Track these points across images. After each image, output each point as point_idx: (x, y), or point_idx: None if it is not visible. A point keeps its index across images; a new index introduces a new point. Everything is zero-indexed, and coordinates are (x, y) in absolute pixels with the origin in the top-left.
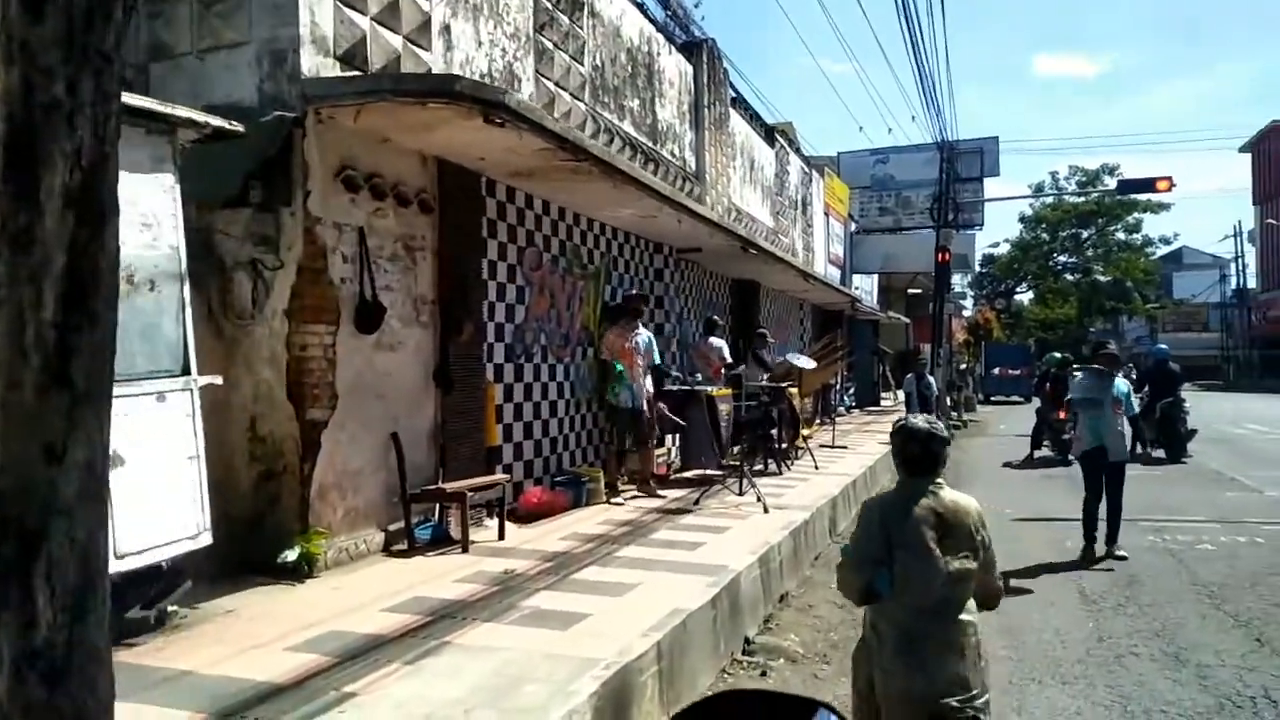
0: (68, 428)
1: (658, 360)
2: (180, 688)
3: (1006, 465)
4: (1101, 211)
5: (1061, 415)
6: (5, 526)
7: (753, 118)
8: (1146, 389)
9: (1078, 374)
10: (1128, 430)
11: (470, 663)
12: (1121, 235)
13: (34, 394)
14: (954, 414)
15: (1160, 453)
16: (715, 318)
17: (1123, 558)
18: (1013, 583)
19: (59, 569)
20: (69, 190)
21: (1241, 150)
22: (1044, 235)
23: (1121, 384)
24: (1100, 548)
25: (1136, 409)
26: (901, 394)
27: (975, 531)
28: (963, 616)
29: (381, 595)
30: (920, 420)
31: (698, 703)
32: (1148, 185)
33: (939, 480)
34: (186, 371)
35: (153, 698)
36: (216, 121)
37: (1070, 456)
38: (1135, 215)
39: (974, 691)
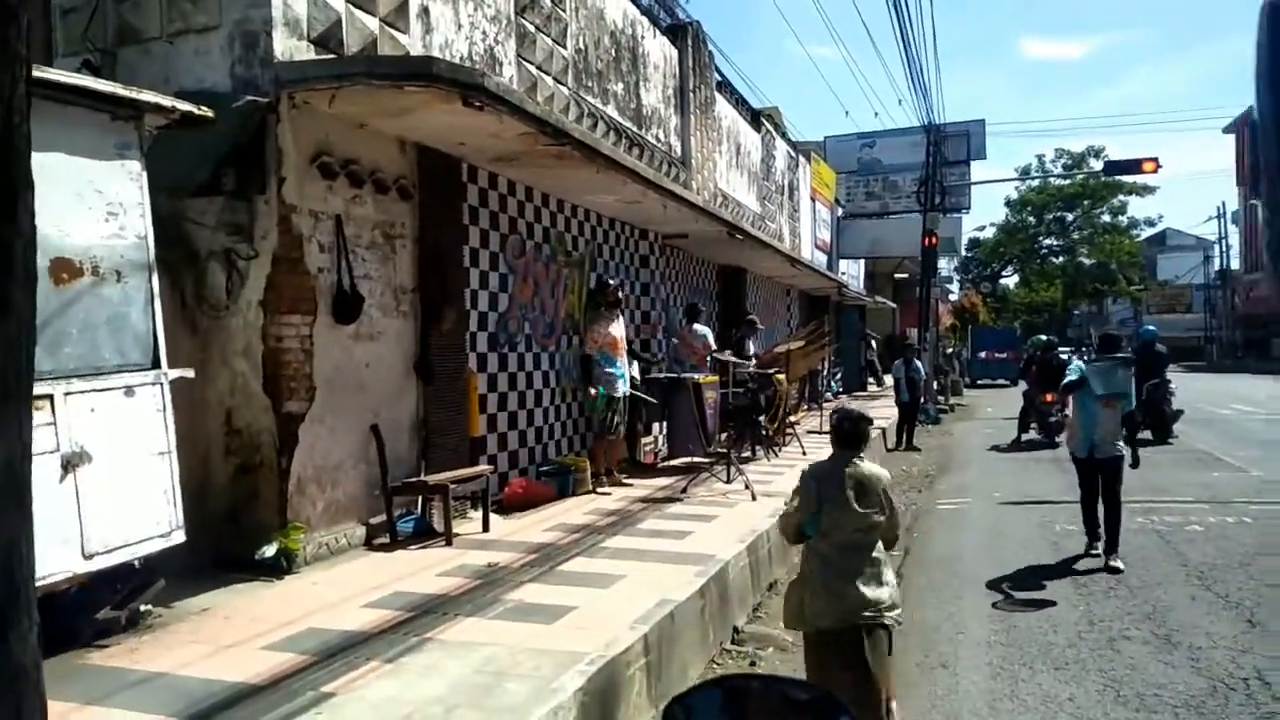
0: None
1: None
2: (153, 690)
3: (994, 449)
4: (1087, 194)
5: (1048, 399)
6: None
7: (739, 102)
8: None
9: (1093, 362)
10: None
11: (452, 659)
12: (1107, 218)
13: None
14: (941, 398)
15: (1146, 434)
16: (698, 304)
17: (1117, 570)
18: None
19: None
20: None
21: (1225, 131)
22: (1030, 218)
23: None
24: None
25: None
26: (890, 379)
27: (883, 494)
28: (874, 554)
29: (362, 591)
30: (853, 407)
31: (696, 687)
32: (1134, 167)
33: (861, 455)
34: (156, 364)
35: (124, 701)
36: (184, 106)
37: (1071, 453)
38: (1120, 198)
39: (884, 605)
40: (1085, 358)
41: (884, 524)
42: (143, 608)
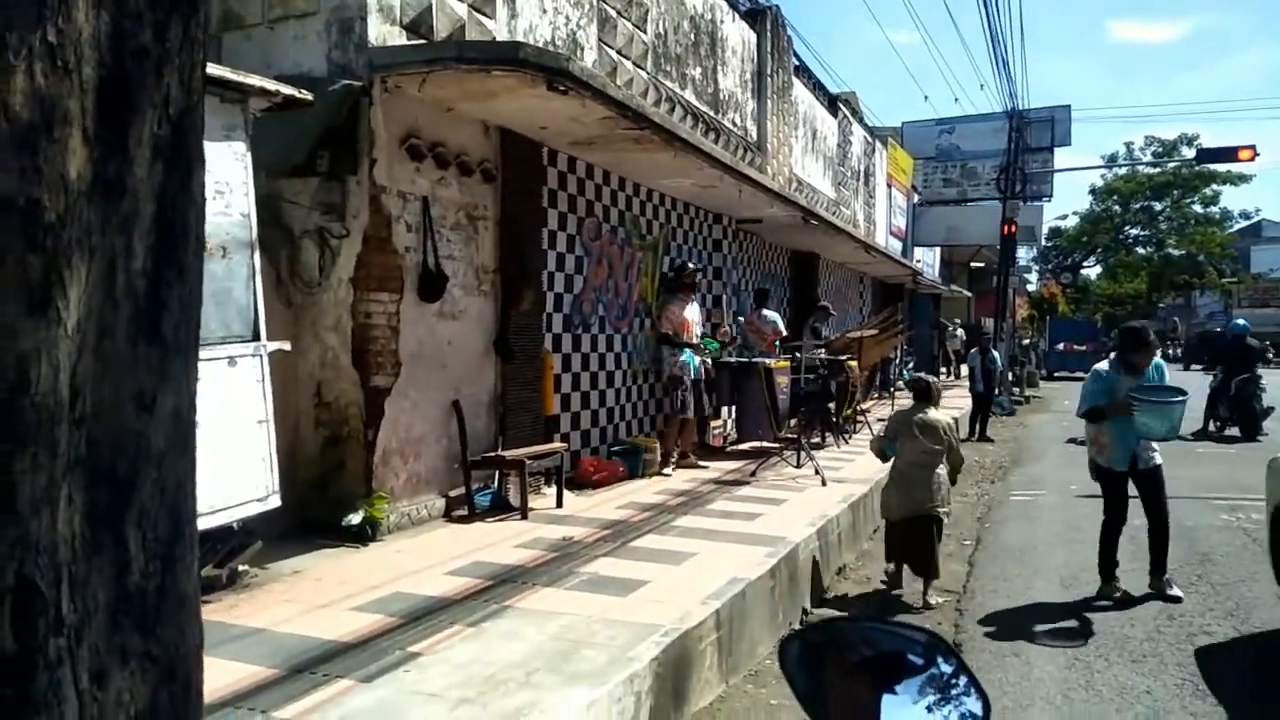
0: (158, 379)
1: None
2: (253, 643)
3: (1070, 441)
4: (1178, 183)
5: None
6: (98, 473)
7: (816, 86)
8: (1220, 366)
9: (1101, 367)
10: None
11: (531, 626)
12: (1198, 208)
13: (125, 343)
14: (1016, 389)
15: (1235, 430)
16: (766, 288)
17: (1176, 599)
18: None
19: (149, 517)
20: (158, 140)
21: None
22: (1115, 207)
23: (1153, 368)
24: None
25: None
26: (965, 368)
27: (944, 433)
28: (935, 472)
29: (443, 559)
30: (921, 374)
31: (802, 629)
32: (1229, 154)
33: (928, 405)
34: (257, 337)
35: (228, 653)
36: (287, 90)
37: (1101, 466)
38: (1213, 187)
39: (936, 504)
40: (1112, 363)
41: (943, 453)
42: (241, 567)
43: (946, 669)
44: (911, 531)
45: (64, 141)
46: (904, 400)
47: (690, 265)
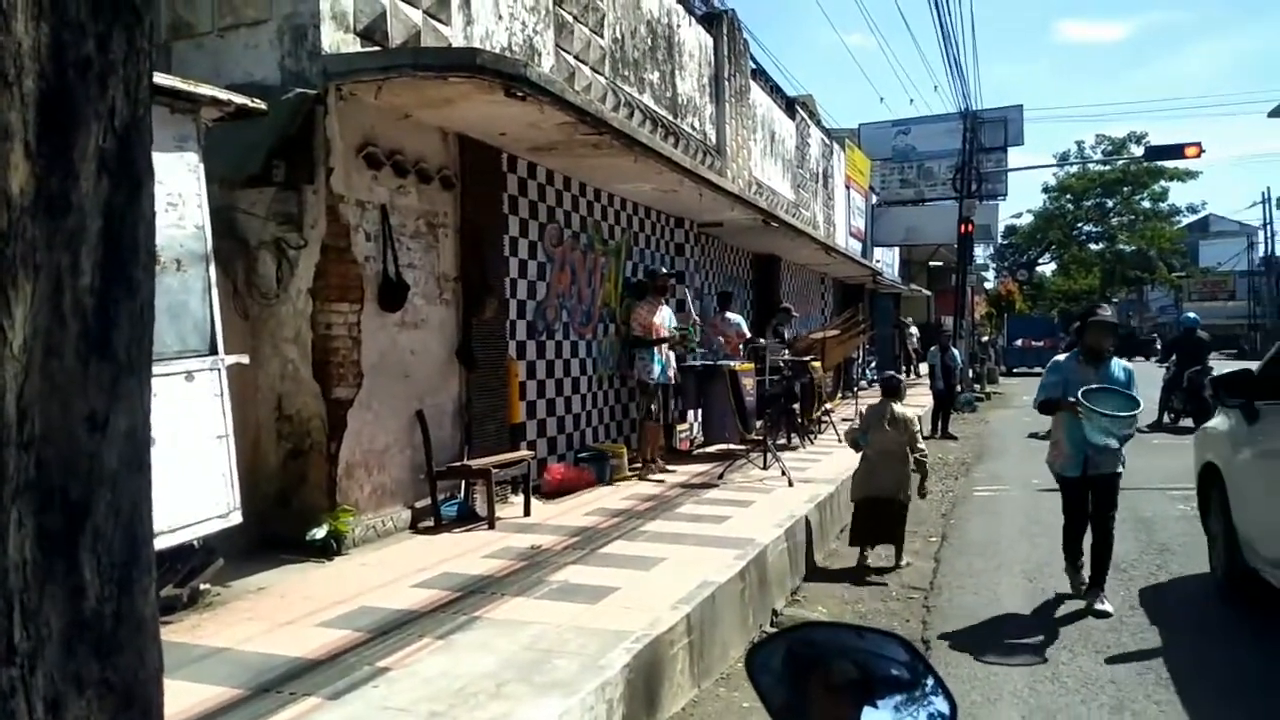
0: (110, 398)
1: (672, 329)
2: (217, 664)
3: (1032, 436)
4: (1127, 180)
5: None
6: (49, 497)
7: (773, 90)
8: (1174, 358)
9: (1060, 358)
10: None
11: (501, 637)
12: (1147, 204)
13: (75, 361)
14: (977, 386)
15: (1189, 421)
16: (729, 290)
17: (1106, 614)
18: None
19: (104, 540)
20: (103, 153)
21: (1271, 115)
22: (1068, 205)
23: (1117, 367)
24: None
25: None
26: (925, 366)
27: (908, 425)
28: (901, 460)
29: (410, 571)
30: (891, 372)
31: (770, 636)
32: (1176, 151)
33: (895, 401)
34: (214, 351)
35: (191, 674)
36: (239, 99)
37: (1055, 472)
38: (1162, 183)
39: (899, 490)
40: (1067, 354)
41: (907, 440)
42: (202, 586)
43: (912, 668)
44: (877, 511)
45: (5, 156)
46: (865, 400)
47: (663, 270)
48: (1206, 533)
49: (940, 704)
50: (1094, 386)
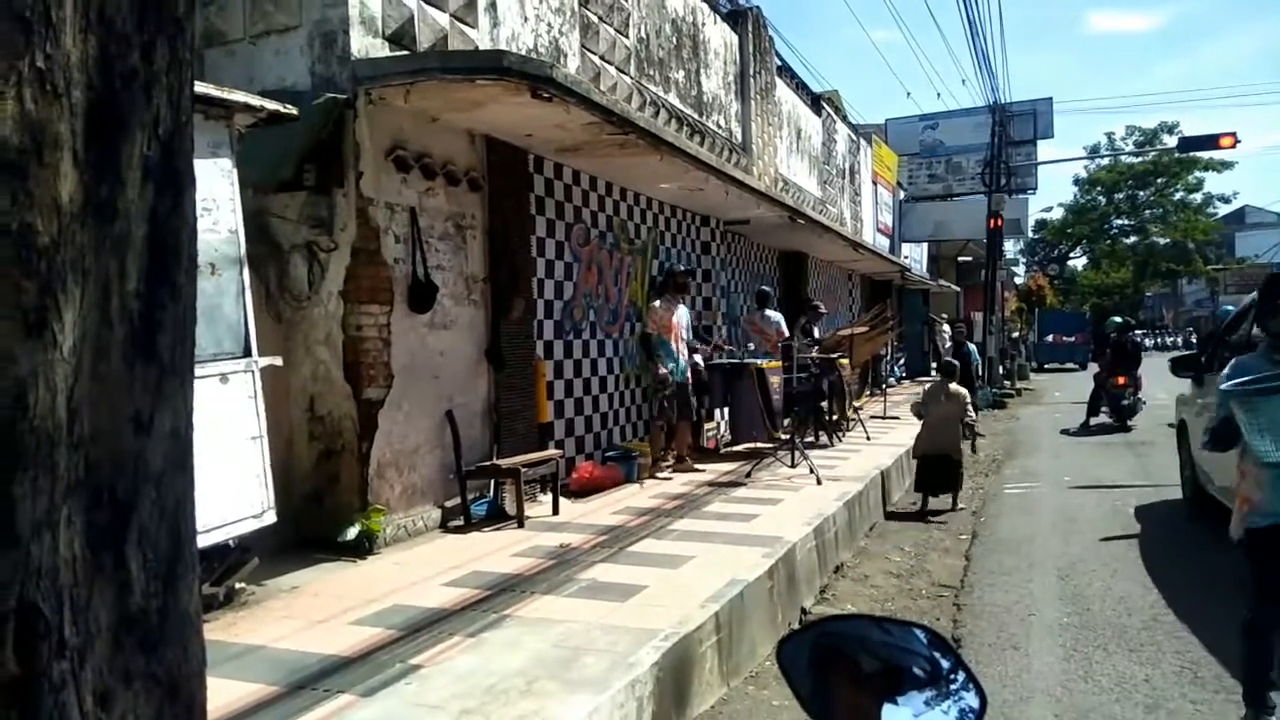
0: (155, 399)
1: (687, 336)
2: (253, 661)
3: (1064, 433)
4: (1159, 171)
5: (1120, 381)
6: (97, 495)
7: (799, 86)
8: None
9: (1242, 359)
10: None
11: (531, 635)
12: (1180, 195)
13: (121, 364)
14: (1006, 383)
15: None
16: (767, 289)
17: None
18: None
19: (149, 537)
20: (148, 161)
21: None
22: (1099, 198)
23: None
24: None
25: None
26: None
27: (961, 398)
28: (955, 427)
29: (441, 570)
30: (950, 359)
31: (800, 628)
32: (1210, 142)
33: (952, 379)
34: (248, 353)
35: (228, 671)
36: (271, 105)
37: (1233, 535)
38: (1196, 174)
39: (955, 450)
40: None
41: (961, 413)
42: (238, 585)
43: (945, 664)
44: (937, 466)
45: (55, 165)
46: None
47: (680, 268)
48: (1180, 471)
49: (970, 698)
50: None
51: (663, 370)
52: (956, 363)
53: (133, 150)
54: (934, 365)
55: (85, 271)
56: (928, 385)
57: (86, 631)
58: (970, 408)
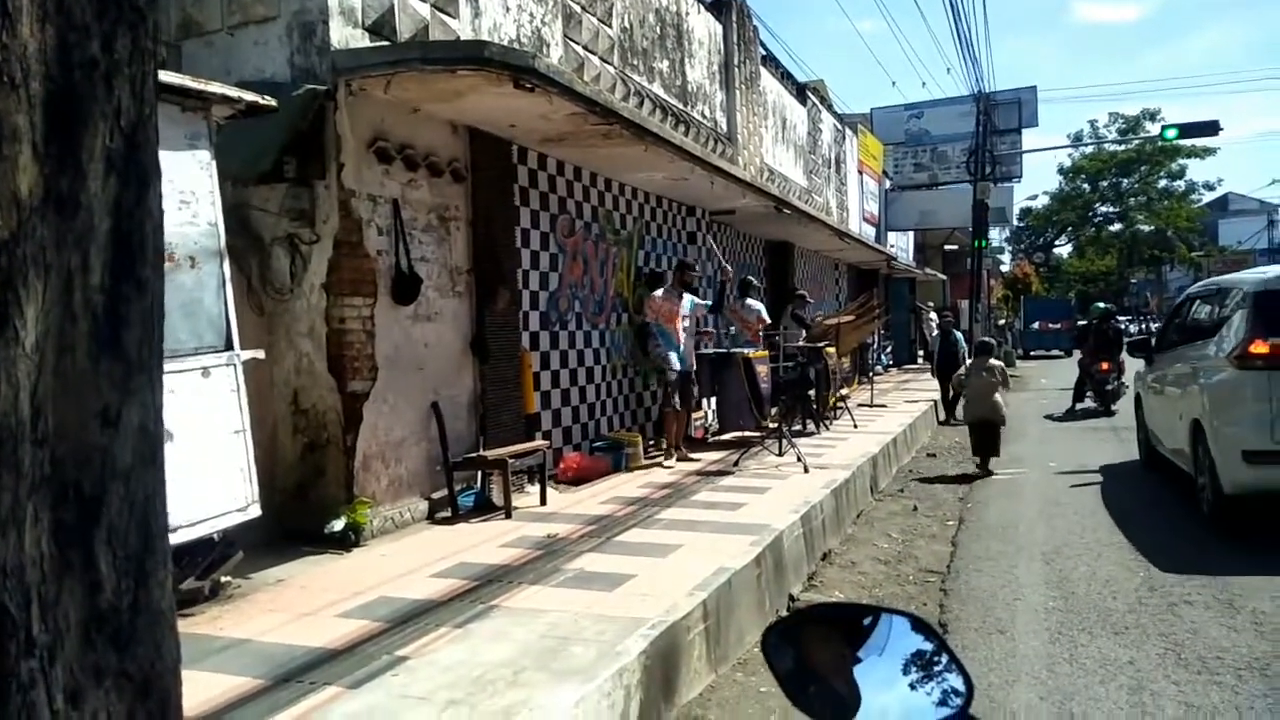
0: (121, 395)
1: (708, 304)
2: (239, 655)
3: (1048, 418)
4: (1143, 159)
5: (1104, 367)
6: (64, 492)
7: (784, 76)
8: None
9: None
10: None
11: (518, 625)
12: (1164, 182)
13: (86, 359)
14: None
15: None
16: (751, 279)
17: None
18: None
19: (119, 534)
20: (111, 153)
21: None
22: (1083, 186)
23: None
24: None
25: None
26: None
27: (998, 371)
28: (994, 395)
29: (428, 562)
30: (989, 339)
31: (785, 617)
32: (1208, 129)
33: (990, 356)
34: (230, 347)
35: (213, 665)
36: (250, 97)
37: None
38: (1179, 161)
39: (997, 416)
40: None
41: (999, 384)
42: (223, 579)
43: (928, 648)
44: (982, 431)
45: (13, 158)
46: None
47: (693, 264)
48: (1135, 434)
49: (955, 680)
50: None
51: (660, 362)
52: (992, 341)
53: (94, 142)
54: (920, 353)
55: (47, 266)
56: (967, 363)
57: (55, 629)
58: (1005, 381)
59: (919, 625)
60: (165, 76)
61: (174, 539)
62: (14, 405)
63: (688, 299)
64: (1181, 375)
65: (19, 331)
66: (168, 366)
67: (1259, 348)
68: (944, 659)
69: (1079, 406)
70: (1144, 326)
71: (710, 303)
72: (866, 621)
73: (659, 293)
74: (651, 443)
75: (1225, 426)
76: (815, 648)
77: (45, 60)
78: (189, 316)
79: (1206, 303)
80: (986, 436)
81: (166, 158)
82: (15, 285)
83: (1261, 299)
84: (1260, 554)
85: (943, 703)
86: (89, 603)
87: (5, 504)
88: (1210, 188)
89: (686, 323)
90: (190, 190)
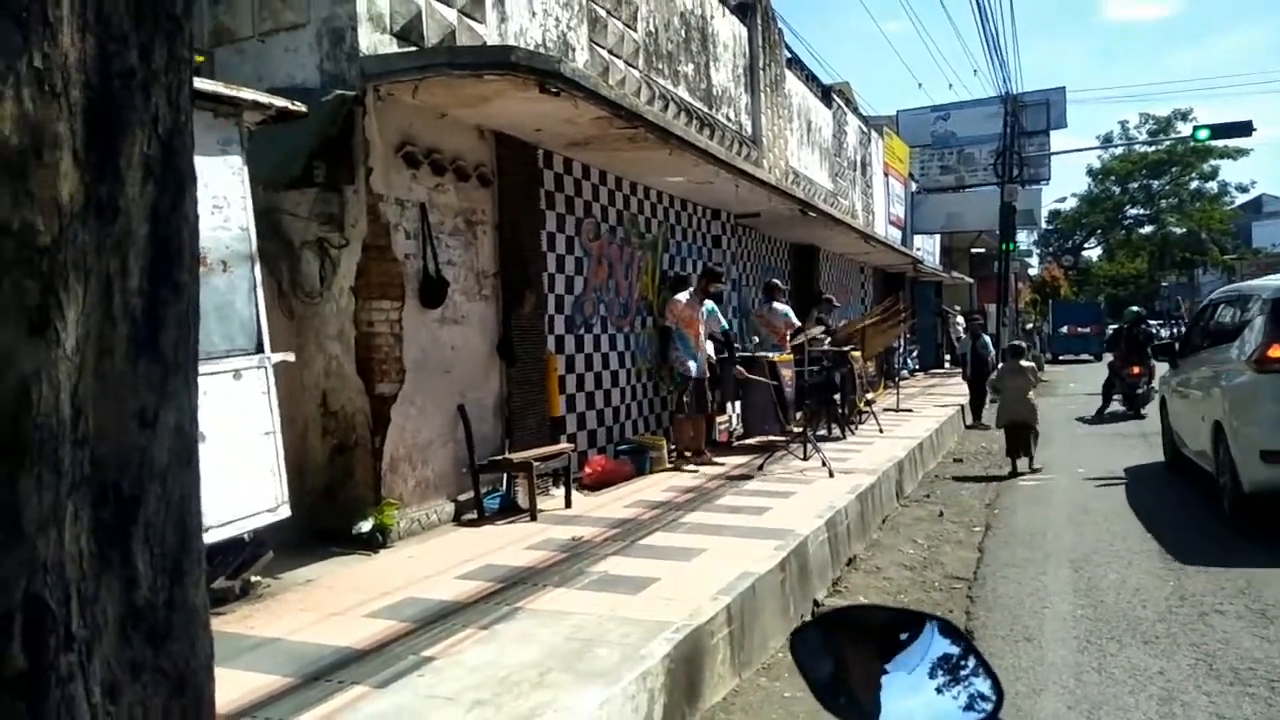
0: (159, 396)
1: (725, 326)
2: (269, 653)
3: (1080, 420)
4: (1174, 160)
5: (1135, 371)
6: (103, 491)
7: (809, 78)
8: None
9: None
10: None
11: (543, 627)
12: (1196, 184)
13: (125, 361)
14: None
15: None
16: (776, 281)
17: None
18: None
19: (156, 532)
20: (148, 159)
21: None
22: (1113, 188)
23: None
24: None
25: None
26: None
27: (1030, 374)
28: (1027, 396)
29: (454, 563)
30: (1019, 342)
31: (814, 619)
32: (1242, 129)
33: (1020, 357)
34: (261, 349)
35: (244, 663)
36: (280, 103)
37: None
38: (1211, 163)
39: (1030, 416)
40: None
41: (1032, 385)
42: (253, 578)
43: (955, 651)
44: (1017, 431)
45: (55, 165)
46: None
47: (720, 271)
48: (1162, 437)
49: (982, 684)
50: None
51: (679, 367)
52: (1023, 344)
53: (132, 149)
54: (947, 357)
55: (87, 270)
56: (1000, 366)
57: (94, 625)
58: (1038, 379)
59: (947, 629)
60: (198, 83)
61: (206, 538)
62: (55, 406)
63: (709, 305)
64: (1204, 379)
65: (60, 334)
66: (201, 369)
67: (1276, 351)
68: (971, 661)
69: (1108, 410)
70: (1175, 331)
71: (725, 326)
72: (895, 624)
73: (682, 297)
74: (672, 449)
75: (1244, 427)
76: (844, 650)
77: (85, 69)
78: (221, 319)
79: (1229, 308)
80: (1022, 437)
81: (200, 163)
82: (56, 289)
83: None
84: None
85: (970, 707)
86: (126, 599)
87: (46, 503)
88: (1244, 189)
89: (704, 328)
90: (223, 195)
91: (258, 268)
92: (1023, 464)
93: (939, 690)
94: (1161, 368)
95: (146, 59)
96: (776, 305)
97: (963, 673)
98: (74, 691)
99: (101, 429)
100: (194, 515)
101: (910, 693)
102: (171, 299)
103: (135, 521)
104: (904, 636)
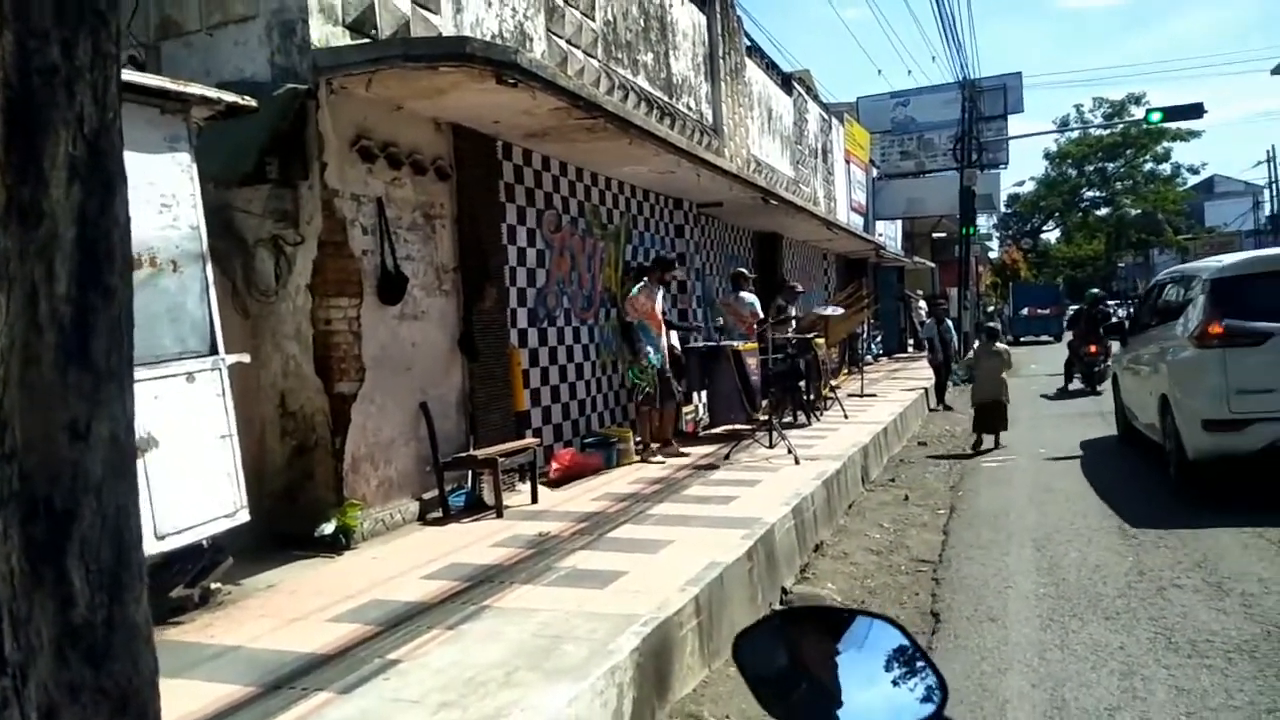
0: (91, 406)
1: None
2: (230, 662)
3: (1044, 396)
4: (1128, 143)
5: (1092, 350)
6: (34, 506)
7: (769, 66)
8: None
9: None
10: None
11: (510, 625)
12: (1150, 166)
13: (53, 371)
14: None
15: None
16: (744, 270)
17: None
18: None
19: (91, 547)
20: (74, 160)
21: (1274, 73)
22: (1070, 171)
23: None
24: None
25: None
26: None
27: (1004, 354)
28: (999, 377)
29: (419, 563)
30: (995, 324)
31: (757, 623)
32: (1194, 111)
33: (996, 340)
34: (214, 351)
35: (204, 673)
36: (229, 97)
37: None
38: (1164, 145)
39: (1003, 395)
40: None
41: (1004, 365)
42: (213, 585)
43: (900, 649)
44: (989, 410)
45: None
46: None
47: (673, 259)
48: (1115, 411)
49: (930, 681)
50: None
51: (648, 356)
52: (998, 327)
53: (56, 149)
54: (910, 341)
55: (10, 277)
56: (976, 346)
57: (28, 646)
58: (1010, 362)
59: (893, 626)
60: (143, 78)
61: (162, 546)
62: None
63: (660, 295)
64: (1152, 355)
65: None
66: (151, 373)
67: (1215, 329)
68: (919, 661)
69: (1070, 387)
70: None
71: (676, 319)
72: (839, 624)
73: (639, 291)
74: (638, 441)
75: (1188, 399)
76: (787, 653)
77: (4, 66)
78: (172, 321)
79: (1174, 287)
80: (995, 415)
81: (146, 161)
82: None
83: (1218, 285)
84: (1223, 511)
85: (918, 704)
86: (62, 618)
87: None
88: (1195, 171)
89: (661, 320)
90: (171, 193)
91: (210, 267)
92: (988, 441)
93: (883, 690)
94: (1116, 347)
95: (69, 55)
96: (744, 295)
97: (909, 671)
98: (9, 717)
99: (30, 441)
100: (132, 529)
101: (856, 692)
102: (102, 305)
103: (69, 537)
104: (848, 636)
